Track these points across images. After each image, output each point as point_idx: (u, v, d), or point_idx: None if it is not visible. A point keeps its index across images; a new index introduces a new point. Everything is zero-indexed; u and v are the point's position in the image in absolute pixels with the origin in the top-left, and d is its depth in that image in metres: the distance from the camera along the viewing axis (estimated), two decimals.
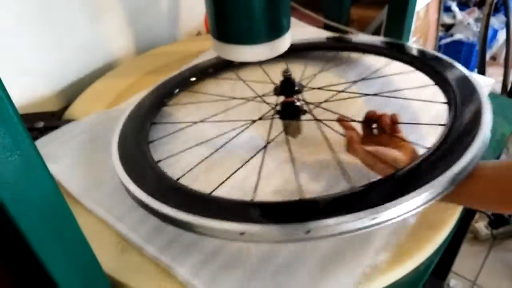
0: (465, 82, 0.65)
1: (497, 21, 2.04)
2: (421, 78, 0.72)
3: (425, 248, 0.55)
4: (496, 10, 2.07)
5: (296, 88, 0.65)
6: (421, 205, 0.47)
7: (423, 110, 0.74)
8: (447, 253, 1.21)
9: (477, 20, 1.95)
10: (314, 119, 0.63)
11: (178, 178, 0.57)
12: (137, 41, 1.02)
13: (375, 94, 0.75)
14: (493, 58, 2.28)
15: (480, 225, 1.45)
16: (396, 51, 0.80)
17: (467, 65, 1.93)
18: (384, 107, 0.68)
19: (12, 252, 0.39)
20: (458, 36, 1.89)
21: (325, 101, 0.69)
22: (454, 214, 0.59)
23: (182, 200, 0.52)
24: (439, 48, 1.86)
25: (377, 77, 0.80)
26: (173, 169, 0.64)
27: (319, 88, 0.72)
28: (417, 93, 0.74)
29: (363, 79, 0.78)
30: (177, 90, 0.82)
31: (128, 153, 0.63)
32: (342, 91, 0.72)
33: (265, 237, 0.46)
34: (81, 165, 0.68)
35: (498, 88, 1.59)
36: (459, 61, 2.01)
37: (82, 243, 0.41)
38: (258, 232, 0.46)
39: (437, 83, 0.68)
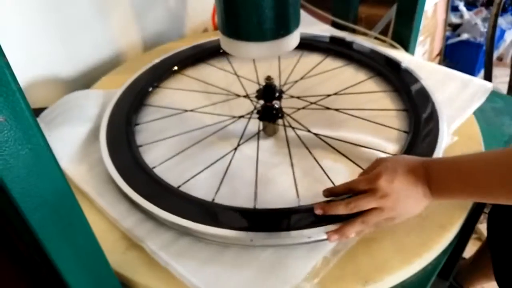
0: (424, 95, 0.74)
1: (504, 21, 2.02)
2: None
3: (434, 248, 0.55)
4: (504, 10, 2.05)
5: (276, 94, 0.69)
6: None
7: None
8: (452, 253, 1.21)
9: (484, 20, 1.94)
10: (283, 125, 0.71)
11: (154, 167, 0.65)
12: (144, 37, 1.02)
13: (337, 109, 0.75)
14: (500, 58, 2.26)
15: (484, 226, 1.44)
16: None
17: (473, 66, 1.91)
18: (353, 121, 0.73)
19: (21, 249, 0.39)
20: (465, 36, 1.88)
21: (296, 110, 0.75)
22: (462, 214, 0.59)
23: (153, 190, 0.59)
24: (445, 48, 1.85)
25: (349, 94, 0.80)
26: (152, 155, 0.69)
27: (297, 97, 0.78)
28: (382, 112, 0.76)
29: (336, 94, 0.80)
30: (168, 73, 0.88)
31: (114, 137, 0.70)
32: (314, 103, 0.77)
33: (213, 238, 0.54)
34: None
35: (504, 89, 1.58)
36: (465, 62, 1.99)
37: (91, 239, 0.41)
38: (207, 233, 0.53)
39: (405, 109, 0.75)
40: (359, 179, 0.54)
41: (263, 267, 0.52)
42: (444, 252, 0.57)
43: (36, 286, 0.45)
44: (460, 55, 1.89)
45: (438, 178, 0.51)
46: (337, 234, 0.52)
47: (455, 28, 1.96)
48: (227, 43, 0.58)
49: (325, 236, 0.52)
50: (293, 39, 0.59)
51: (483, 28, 1.89)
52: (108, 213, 0.59)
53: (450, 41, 1.88)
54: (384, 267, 0.52)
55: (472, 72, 1.91)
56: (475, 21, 1.92)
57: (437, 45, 1.59)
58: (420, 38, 1.39)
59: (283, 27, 0.56)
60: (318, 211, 0.53)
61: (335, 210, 0.52)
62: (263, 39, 0.56)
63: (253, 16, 0.53)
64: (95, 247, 0.42)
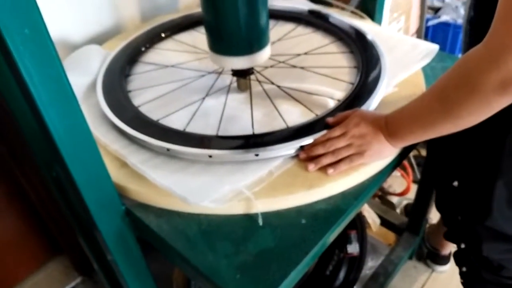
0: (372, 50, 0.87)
1: None
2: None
3: (370, 166, 0.67)
4: None
5: None
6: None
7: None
8: (418, 210, 1.32)
9: (465, 3, 2.04)
10: (248, 79, 0.83)
11: (139, 106, 0.78)
12: (143, 9, 1.15)
13: (302, 67, 0.88)
14: None
15: None
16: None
17: (453, 46, 2.02)
18: (313, 77, 0.85)
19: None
20: (445, 17, 1.99)
21: (265, 68, 0.88)
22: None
23: (135, 122, 0.72)
24: (426, 29, 1.95)
25: (312, 54, 0.93)
26: (140, 98, 0.82)
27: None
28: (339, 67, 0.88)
29: (306, 53, 0.93)
30: (159, 36, 1.01)
31: (109, 84, 0.82)
32: (283, 62, 0.90)
33: (181, 154, 0.67)
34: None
35: None
36: (445, 43, 2.07)
37: (98, 156, 0.57)
38: (180, 151, 0.66)
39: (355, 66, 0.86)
40: (334, 129, 0.68)
41: (218, 175, 0.65)
42: (381, 172, 0.68)
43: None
44: (440, 36, 2.00)
45: (393, 123, 0.65)
46: (314, 163, 0.65)
47: (437, 11, 2.07)
48: (214, 57, 0.75)
49: (271, 155, 0.66)
50: (265, 53, 0.75)
51: (463, 10, 1.99)
52: (101, 139, 0.72)
53: (431, 23, 1.99)
54: (328, 178, 0.64)
55: (453, 52, 2.01)
56: (456, 4, 2.03)
57: (413, 24, 1.69)
58: (394, 15, 1.50)
59: (256, 46, 0.73)
60: (302, 156, 0.67)
61: (316, 152, 0.66)
62: (241, 54, 0.72)
63: (232, 39, 0.71)
64: (101, 163, 0.58)
